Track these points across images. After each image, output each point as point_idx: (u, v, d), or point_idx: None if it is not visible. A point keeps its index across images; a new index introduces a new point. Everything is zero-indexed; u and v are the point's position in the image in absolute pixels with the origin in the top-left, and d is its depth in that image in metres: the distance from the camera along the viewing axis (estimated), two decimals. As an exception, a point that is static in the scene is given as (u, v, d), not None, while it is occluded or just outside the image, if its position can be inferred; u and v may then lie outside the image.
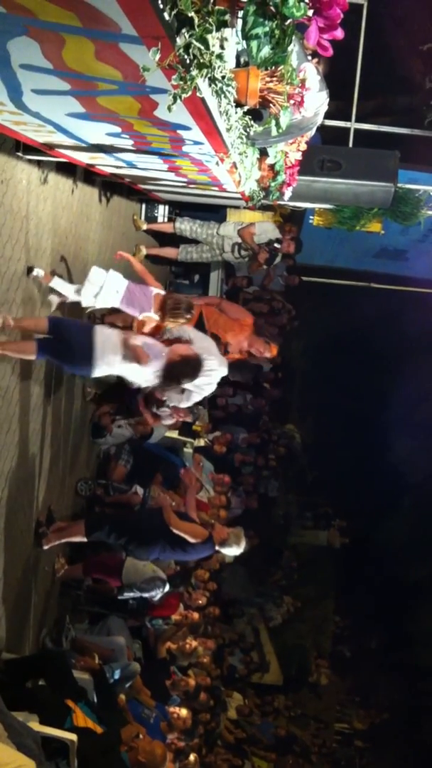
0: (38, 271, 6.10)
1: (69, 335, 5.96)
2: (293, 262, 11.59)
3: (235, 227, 10.66)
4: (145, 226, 10.32)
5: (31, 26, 2.51)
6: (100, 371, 6.13)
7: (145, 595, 8.37)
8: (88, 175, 7.25)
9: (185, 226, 10.49)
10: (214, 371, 7.21)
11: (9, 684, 5.39)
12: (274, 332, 11.08)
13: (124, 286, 6.50)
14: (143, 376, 6.31)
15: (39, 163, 5.89)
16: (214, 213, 10.74)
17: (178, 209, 10.51)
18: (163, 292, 6.76)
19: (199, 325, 8.49)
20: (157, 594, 8.29)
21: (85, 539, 7.26)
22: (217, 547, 7.52)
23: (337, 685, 20.84)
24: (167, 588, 8.42)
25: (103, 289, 6.40)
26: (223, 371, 7.60)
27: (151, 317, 6.60)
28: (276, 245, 10.82)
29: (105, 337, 6.08)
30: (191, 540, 7.25)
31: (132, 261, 7.02)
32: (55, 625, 7.66)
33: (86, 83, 3.14)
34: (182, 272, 12.88)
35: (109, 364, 6.08)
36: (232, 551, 7.73)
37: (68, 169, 6.56)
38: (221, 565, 12.53)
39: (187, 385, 6.94)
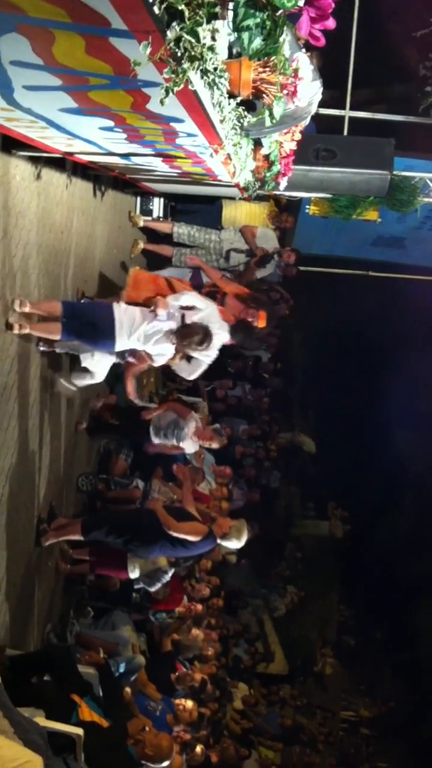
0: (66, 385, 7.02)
1: (88, 314, 6.60)
2: (296, 271, 11.55)
3: (235, 230, 10.70)
4: (142, 223, 10.29)
5: (21, 23, 2.50)
6: (121, 345, 6.67)
7: (151, 588, 8.40)
8: (82, 170, 7.23)
9: (183, 230, 10.50)
10: (216, 335, 7.26)
11: (14, 680, 5.39)
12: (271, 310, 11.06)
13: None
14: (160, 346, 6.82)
15: (33, 159, 5.87)
16: (210, 204, 10.72)
17: (173, 202, 10.47)
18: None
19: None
20: (162, 580, 8.34)
21: (82, 538, 7.23)
22: (219, 541, 7.48)
23: (342, 675, 20.88)
24: (171, 573, 8.45)
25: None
26: (225, 336, 7.73)
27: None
28: (275, 256, 10.88)
29: (123, 310, 6.66)
30: (191, 539, 7.21)
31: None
32: (60, 621, 7.67)
33: (77, 78, 3.12)
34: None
35: (129, 337, 6.61)
36: (234, 544, 7.68)
37: (62, 164, 6.54)
38: (224, 559, 12.54)
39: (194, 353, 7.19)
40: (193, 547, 7.39)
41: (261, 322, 9.15)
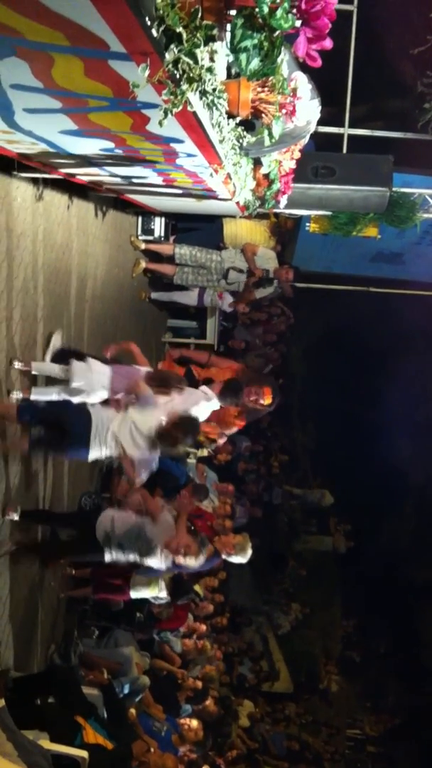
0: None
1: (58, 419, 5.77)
2: (292, 290, 11.61)
3: (237, 253, 10.73)
4: (143, 246, 10.34)
5: (20, 46, 2.51)
6: (95, 454, 5.85)
7: (159, 601, 8.31)
8: (83, 191, 7.26)
9: (185, 251, 10.53)
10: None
11: (19, 702, 5.36)
12: (266, 377, 11.00)
13: (108, 377, 6.14)
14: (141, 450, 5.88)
15: (34, 181, 5.89)
16: (210, 222, 10.77)
17: (174, 221, 10.52)
18: (150, 369, 6.48)
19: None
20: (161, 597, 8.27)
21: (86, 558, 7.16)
22: (224, 557, 7.47)
23: (347, 691, 20.77)
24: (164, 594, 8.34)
25: (90, 388, 6.04)
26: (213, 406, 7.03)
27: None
28: (272, 276, 10.92)
29: (98, 416, 5.82)
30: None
31: (123, 348, 6.79)
32: (63, 641, 7.63)
33: (77, 100, 3.14)
34: (179, 316, 12.99)
35: (106, 444, 5.79)
36: (239, 560, 7.68)
37: (63, 185, 6.56)
38: (228, 574, 12.53)
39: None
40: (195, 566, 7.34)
41: (267, 399, 8.53)
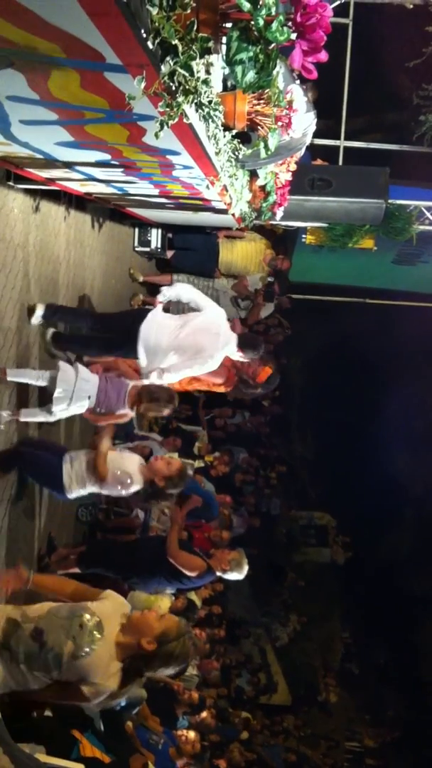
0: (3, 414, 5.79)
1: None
2: (287, 281, 11.72)
3: (229, 282, 10.93)
4: (141, 278, 10.53)
5: (16, 58, 2.52)
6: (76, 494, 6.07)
7: None
8: (80, 202, 7.28)
9: (182, 278, 10.72)
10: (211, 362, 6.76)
11: (15, 715, 5.33)
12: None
13: (95, 386, 6.09)
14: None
15: (30, 192, 5.91)
16: (207, 234, 10.82)
17: (171, 232, 10.56)
18: (139, 383, 6.40)
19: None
20: None
21: (79, 571, 7.12)
22: (218, 574, 7.38)
23: (346, 703, 20.69)
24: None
25: (72, 399, 5.96)
26: (232, 348, 6.95)
27: (126, 413, 6.29)
28: (270, 279, 11.07)
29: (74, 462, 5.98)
30: (188, 573, 7.08)
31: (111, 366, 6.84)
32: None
33: (73, 112, 3.15)
34: None
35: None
36: (235, 576, 7.59)
37: (60, 196, 6.58)
38: (225, 586, 12.49)
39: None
40: (189, 582, 7.27)
41: (263, 376, 8.43)
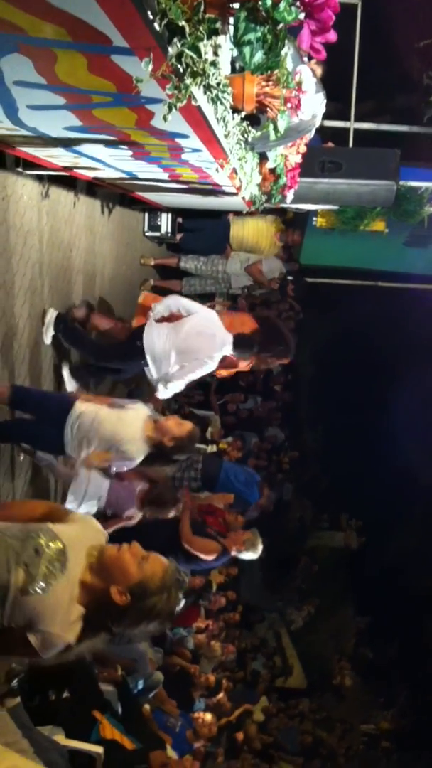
0: None
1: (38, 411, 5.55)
2: (298, 266, 11.67)
3: (242, 265, 10.82)
4: (153, 262, 10.54)
5: (22, 43, 2.52)
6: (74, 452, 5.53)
7: None
8: (89, 188, 7.27)
9: (190, 264, 10.73)
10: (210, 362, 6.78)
11: (32, 695, 5.37)
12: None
13: (105, 489, 6.01)
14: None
15: (40, 178, 5.90)
16: (216, 219, 10.79)
17: (181, 217, 10.55)
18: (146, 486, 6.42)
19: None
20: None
21: None
22: (233, 554, 7.44)
23: (361, 687, 20.73)
24: (182, 604, 8.37)
25: (84, 499, 5.81)
26: (227, 348, 6.96)
27: (134, 515, 6.36)
28: (289, 277, 11.00)
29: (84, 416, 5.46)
30: (203, 557, 7.13)
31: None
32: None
33: (81, 97, 3.14)
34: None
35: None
36: (249, 556, 7.65)
37: (69, 182, 6.58)
38: (239, 570, 12.54)
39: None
40: (205, 564, 7.35)
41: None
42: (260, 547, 7.54)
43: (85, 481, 5.70)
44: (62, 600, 2.77)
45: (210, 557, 7.16)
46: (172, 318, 6.77)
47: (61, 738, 4.95)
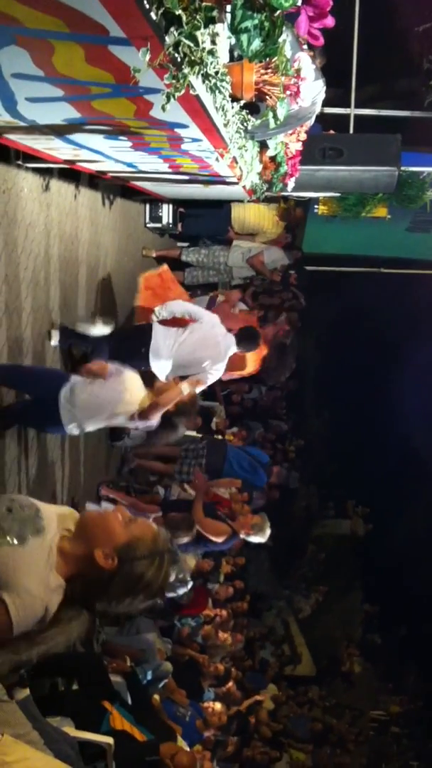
0: None
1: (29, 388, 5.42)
2: (301, 254, 11.68)
3: (243, 257, 10.84)
4: (154, 254, 10.54)
5: (19, 35, 2.50)
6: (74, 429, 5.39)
7: (170, 594, 8.41)
8: (90, 180, 7.25)
9: (191, 257, 10.78)
10: (217, 366, 6.92)
11: (42, 688, 5.39)
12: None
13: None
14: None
15: (40, 171, 5.89)
16: (218, 208, 10.77)
17: (183, 207, 10.54)
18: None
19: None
20: (180, 591, 8.36)
21: None
22: (242, 537, 7.57)
23: (370, 673, 20.78)
24: (190, 585, 8.46)
25: None
26: (232, 348, 7.13)
27: None
28: (291, 271, 11.03)
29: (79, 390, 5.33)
30: (213, 539, 7.26)
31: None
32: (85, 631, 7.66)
33: (79, 88, 3.12)
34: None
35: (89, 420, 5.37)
36: (258, 539, 7.78)
37: (70, 174, 6.56)
38: (247, 559, 12.57)
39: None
40: (215, 546, 7.50)
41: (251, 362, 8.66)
42: (268, 532, 7.67)
43: None
44: (39, 560, 2.44)
45: (220, 539, 7.33)
46: (175, 322, 6.82)
47: (70, 729, 4.96)
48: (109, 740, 5.15)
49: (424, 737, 19.25)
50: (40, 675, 5.53)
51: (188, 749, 6.92)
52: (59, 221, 6.55)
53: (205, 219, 10.92)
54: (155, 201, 9.95)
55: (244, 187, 5.60)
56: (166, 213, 10.19)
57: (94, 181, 7.36)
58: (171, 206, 10.21)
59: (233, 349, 7.11)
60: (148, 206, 10.16)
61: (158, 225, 10.32)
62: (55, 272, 6.49)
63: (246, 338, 7.18)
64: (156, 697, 7.66)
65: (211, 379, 7.00)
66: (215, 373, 6.95)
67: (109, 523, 2.57)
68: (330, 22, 2.70)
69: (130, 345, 6.78)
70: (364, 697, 20.14)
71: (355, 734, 18.47)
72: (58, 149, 4.91)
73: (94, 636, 7.80)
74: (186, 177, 6.45)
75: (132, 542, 2.55)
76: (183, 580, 8.26)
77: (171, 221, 10.27)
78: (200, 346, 6.81)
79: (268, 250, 11.12)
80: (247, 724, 12.49)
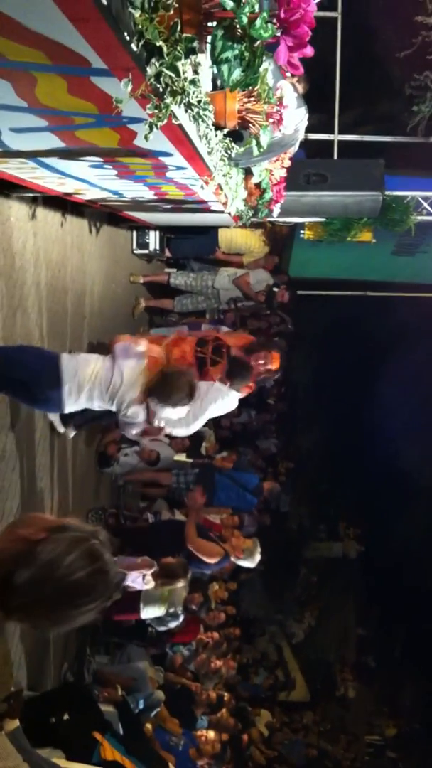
0: None
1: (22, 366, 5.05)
2: (287, 277, 11.77)
3: (230, 279, 10.94)
4: (141, 280, 10.62)
5: (1, 67, 2.52)
6: (71, 405, 5.15)
7: (161, 628, 8.39)
8: (76, 207, 7.28)
9: (180, 281, 10.86)
10: (222, 395, 6.54)
11: (33, 721, 5.33)
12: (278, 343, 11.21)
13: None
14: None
15: (26, 199, 5.91)
16: (205, 234, 10.84)
17: (170, 234, 10.60)
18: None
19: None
20: (171, 625, 8.34)
21: None
22: (233, 560, 7.57)
23: (364, 697, 20.67)
24: (181, 619, 8.43)
25: None
26: (235, 397, 6.75)
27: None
28: (274, 288, 11.10)
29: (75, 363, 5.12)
30: (206, 560, 7.26)
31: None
32: (76, 659, 7.61)
33: (63, 118, 3.15)
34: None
35: (82, 395, 5.10)
36: (247, 563, 7.78)
37: (56, 202, 6.58)
38: (238, 584, 12.51)
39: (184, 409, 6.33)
40: (206, 567, 7.51)
41: (275, 363, 8.44)
42: (258, 557, 7.68)
43: None
44: None
45: (212, 560, 7.31)
46: None
47: (61, 760, 4.90)
48: (100, 771, 5.11)
49: (419, 761, 19.10)
50: (34, 712, 5.48)
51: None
52: (46, 249, 6.57)
53: (193, 241, 11.03)
54: (142, 228, 9.99)
55: (230, 213, 5.64)
56: (153, 239, 10.24)
57: (81, 208, 7.39)
58: (158, 233, 10.26)
59: (215, 392, 6.54)
60: (134, 233, 10.20)
61: (145, 251, 10.36)
62: (43, 300, 6.49)
63: (236, 371, 6.77)
64: (148, 725, 7.59)
65: (203, 420, 6.55)
66: (200, 422, 6.47)
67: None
68: (309, 51, 2.73)
69: None
70: (360, 722, 20.01)
71: (350, 759, 18.33)
72: (43, 178, 4.93)
73: (85, 665, 7.74)
74: (172, 206, 6.49)
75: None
76: (174, 614, 8.25)
77: (158, 247, 10.32)
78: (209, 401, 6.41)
79: (254, 272, 11.23)
80: (241, 752, 12.40)
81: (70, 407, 5.14)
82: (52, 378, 4.95)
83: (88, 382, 5.06)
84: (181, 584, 7.26)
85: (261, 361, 7.57)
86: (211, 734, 9.01)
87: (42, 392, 5.01)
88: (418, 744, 19.63)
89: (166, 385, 5.11)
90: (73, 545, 2.23)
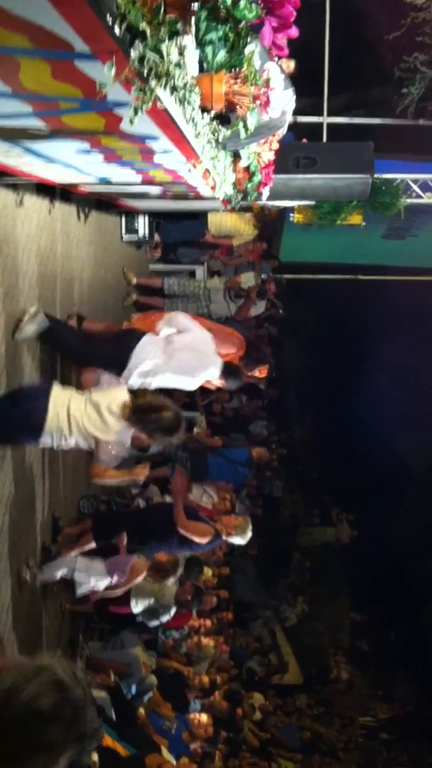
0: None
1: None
2: (277, 263, 11.86)
3: (221, 281, 11.42)
4: (135, 280, 10.71)
5: (-18, 52, 2.49)
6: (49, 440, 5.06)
7: (150, 624, 8.45)
8: (65, 194, 7.23)
9: (173, 281, 11.13)
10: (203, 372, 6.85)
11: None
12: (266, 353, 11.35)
13: (105, 572, 7.05)
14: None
15: (13, 186, 5.87)
16: (194, 218, 10.82)
17: (159, 219, 10.57)
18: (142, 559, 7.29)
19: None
20: (163, 619, 8.42)
21: (94, 545, 7.26)
22: (224, 538, 7.61)
23: (358, 680, 20.76)
24: (173, 612, 8.51)
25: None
26: (215, 372, 6.95)
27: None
28: (263, 277, 11.35)
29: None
30: (197, 540, 7.32)
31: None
32: (69, 646, 7.62)
33: (48, 103, 3.11)
34: None
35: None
36: (239, 541, 7.82)
37: (44, 189, 6.54)
38: (231, 569, 12.54)
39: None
40: (198, 548, 7.57)
41: (263, 373, 8.92)
42: (249, 534, 7.72)
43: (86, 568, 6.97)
44: None
45: (204, 540, 7.40)
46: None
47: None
48: (94, 757, 5.12)
49: (413, 743, 19.23)
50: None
51: (174, 762, 6.90)
52: (34, 236, 6.52)
53: (182, 225, 11.07)
54: (131, 213, 9.95)
55: (218, 197, 5.60)
56: (142, 225, 10.19)
57: (68, 194, 7.34)
58: (147, 218, 10.21)
59: (216, 372, 6.91)
60: (123, 218, 10.16)
61: (134, 237, 10.32)
62: (31, 288, 6.45)
63: (232, 372, 7.18)
64: (141, 710, 7.62)
65: (181, 385, 6.87)
66: (190, 382, 6.84)
67: None
68: (294, 32, 2.71)
69: (111, 348, 6.75)
70: (353, 704, 20.12)
71: (344, 742, 18.43)
72: (30, 165, 4.89)
73: (78, 652, 7.75)
74: (161, 191, 6.46)
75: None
76: (166, 608, 8.32)
77: (147, 233, 10.28)
78: (188, 349, 6.70)
79: (244, 275, 11.49)
80: (236, 734, 12.47)
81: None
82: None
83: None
84: (171, 581, 7.44)
85: (250, 374, 8.12)
86: (204, 718, 9.05)
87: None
88: (411, 725, 19.76)
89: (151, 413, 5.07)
90: (39, 674, 2.13)
